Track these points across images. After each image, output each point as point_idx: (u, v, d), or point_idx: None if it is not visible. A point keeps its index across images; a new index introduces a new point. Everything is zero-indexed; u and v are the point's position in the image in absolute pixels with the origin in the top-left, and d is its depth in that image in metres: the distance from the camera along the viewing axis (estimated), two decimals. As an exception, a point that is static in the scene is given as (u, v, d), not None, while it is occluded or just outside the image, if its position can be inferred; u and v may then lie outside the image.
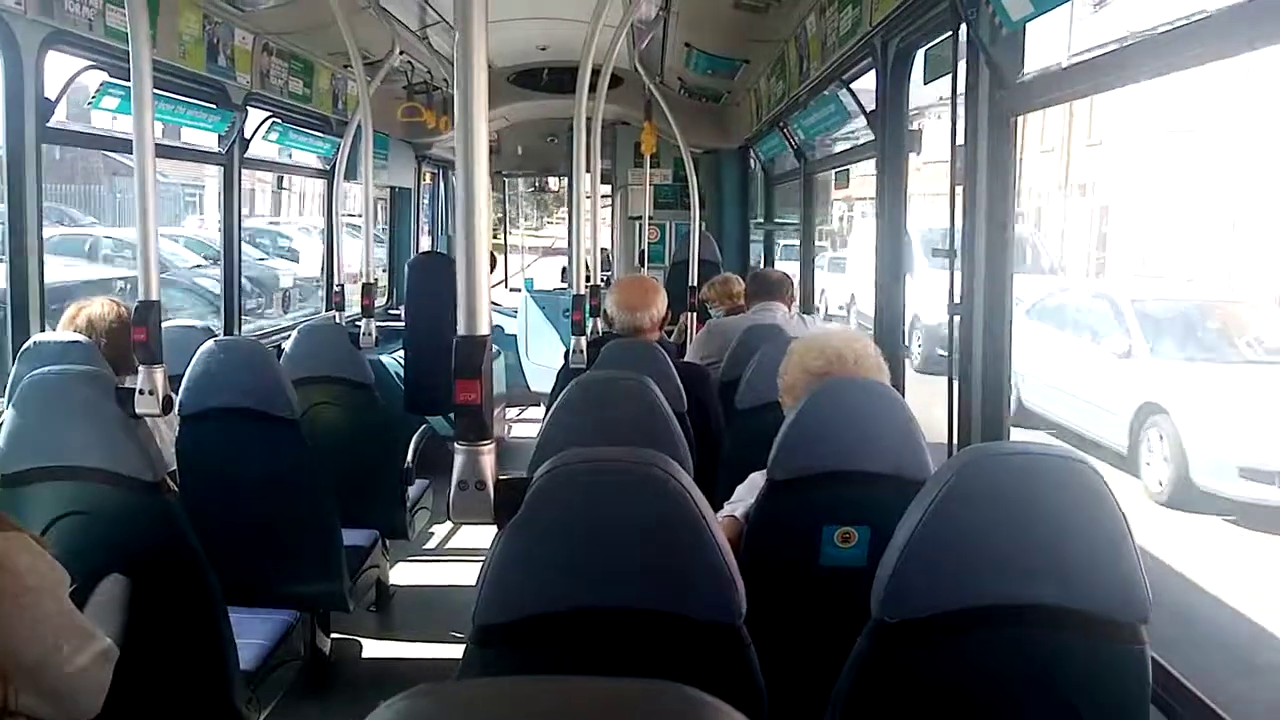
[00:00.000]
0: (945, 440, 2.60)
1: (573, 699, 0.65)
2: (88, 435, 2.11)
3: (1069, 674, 1.45)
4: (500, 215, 9.62)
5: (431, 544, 4.81)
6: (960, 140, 2.51)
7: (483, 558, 1.49)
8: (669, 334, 4.22)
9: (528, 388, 7.44)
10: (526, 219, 16.14)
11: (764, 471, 2.11)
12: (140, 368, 2.25)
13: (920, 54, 3.14)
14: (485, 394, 1.53)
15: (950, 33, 2.56)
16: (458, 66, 1.53)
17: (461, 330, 1.54)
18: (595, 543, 1.41)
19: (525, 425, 7.20)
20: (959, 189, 2.52)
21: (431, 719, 0.64)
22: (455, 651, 3.51)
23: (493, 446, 1.55)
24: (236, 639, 2.30)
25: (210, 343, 2.99)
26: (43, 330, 3.08)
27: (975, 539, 1.42)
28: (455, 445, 1.54)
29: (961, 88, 2.51)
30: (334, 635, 3.49)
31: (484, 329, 1.54)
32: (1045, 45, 2.73)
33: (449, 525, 4.93)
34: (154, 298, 2.27)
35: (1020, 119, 2.44)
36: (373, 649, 3.68)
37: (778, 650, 1.60)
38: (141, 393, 2.21)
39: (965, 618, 1.44)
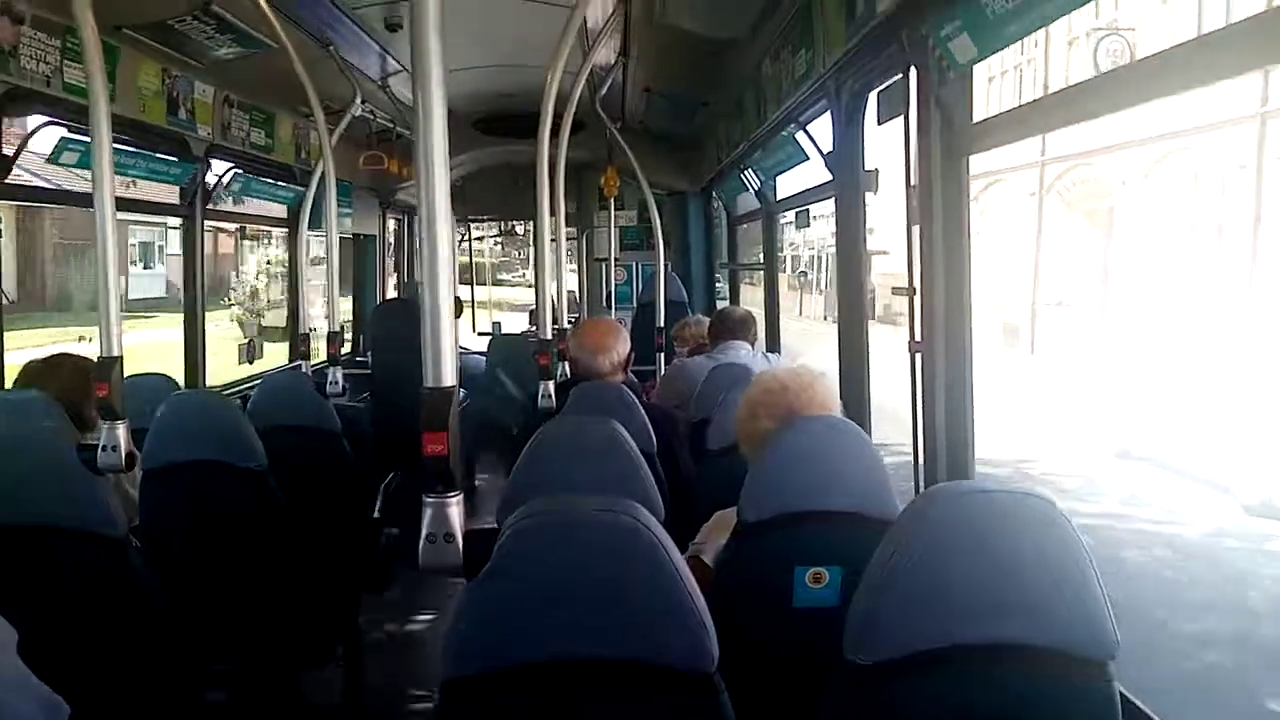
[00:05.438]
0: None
1: None
2: (49, 492, 2.07)
3: (1039, 712, 1.45)
4: (467, 260, 9.57)
5: (404, 595, 4.73)
6: (914, 180, 2.57)
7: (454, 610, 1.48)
8: (639, 376, 4.23)
9: (496, 432, 7.40)
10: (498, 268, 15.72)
11: (727, 511, 2.11)
12: (103, 424, 2.22)
13: (873, 96, 3.21)
14: (453, 445, 1.52)
15: (901, 75, 2.63)
16: (418, 116, 1.54)
17: (428, 382, 1.54)
18: (565, 593, 1.40)
19: (492, 471, 7.15)
20: (915, 228, 2.57)
21: None
22: (430, 705, 3.47)
23: (460, 498, 1.55)
24: (205, 696, 2.26)
25: (174, 395, 2.96)
26: (1, 388, 3.04)
27: (944, 578, 1.43)
28: (424, 498, 1.53)
29: (914, 129, 2.57)
30: (304, 690, 3.42)
31: (450, 380, 1.55)
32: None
33: (422, 575, 4.85)
34: (116, 353, 2.25)
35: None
36: (344, 704, 3.60)
37: (752, 695, 1.60)
38: (104, 449, 2.19)
39: (936, 658, 1.44)
